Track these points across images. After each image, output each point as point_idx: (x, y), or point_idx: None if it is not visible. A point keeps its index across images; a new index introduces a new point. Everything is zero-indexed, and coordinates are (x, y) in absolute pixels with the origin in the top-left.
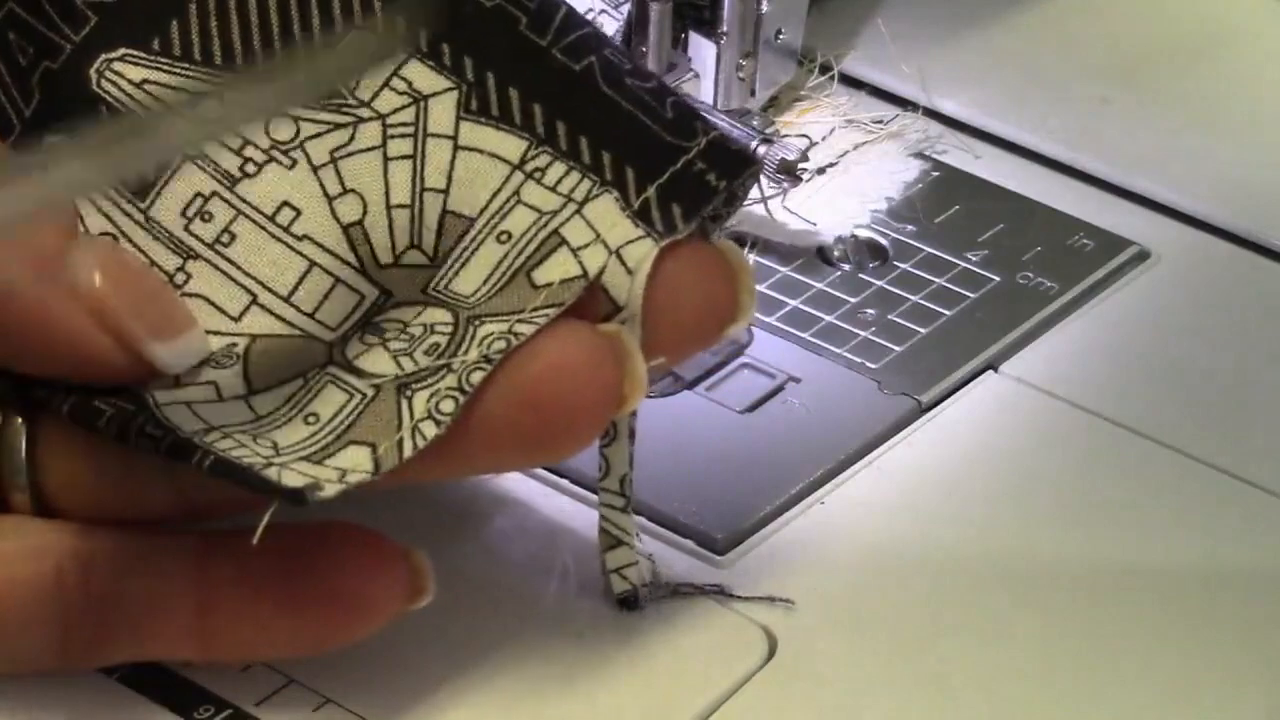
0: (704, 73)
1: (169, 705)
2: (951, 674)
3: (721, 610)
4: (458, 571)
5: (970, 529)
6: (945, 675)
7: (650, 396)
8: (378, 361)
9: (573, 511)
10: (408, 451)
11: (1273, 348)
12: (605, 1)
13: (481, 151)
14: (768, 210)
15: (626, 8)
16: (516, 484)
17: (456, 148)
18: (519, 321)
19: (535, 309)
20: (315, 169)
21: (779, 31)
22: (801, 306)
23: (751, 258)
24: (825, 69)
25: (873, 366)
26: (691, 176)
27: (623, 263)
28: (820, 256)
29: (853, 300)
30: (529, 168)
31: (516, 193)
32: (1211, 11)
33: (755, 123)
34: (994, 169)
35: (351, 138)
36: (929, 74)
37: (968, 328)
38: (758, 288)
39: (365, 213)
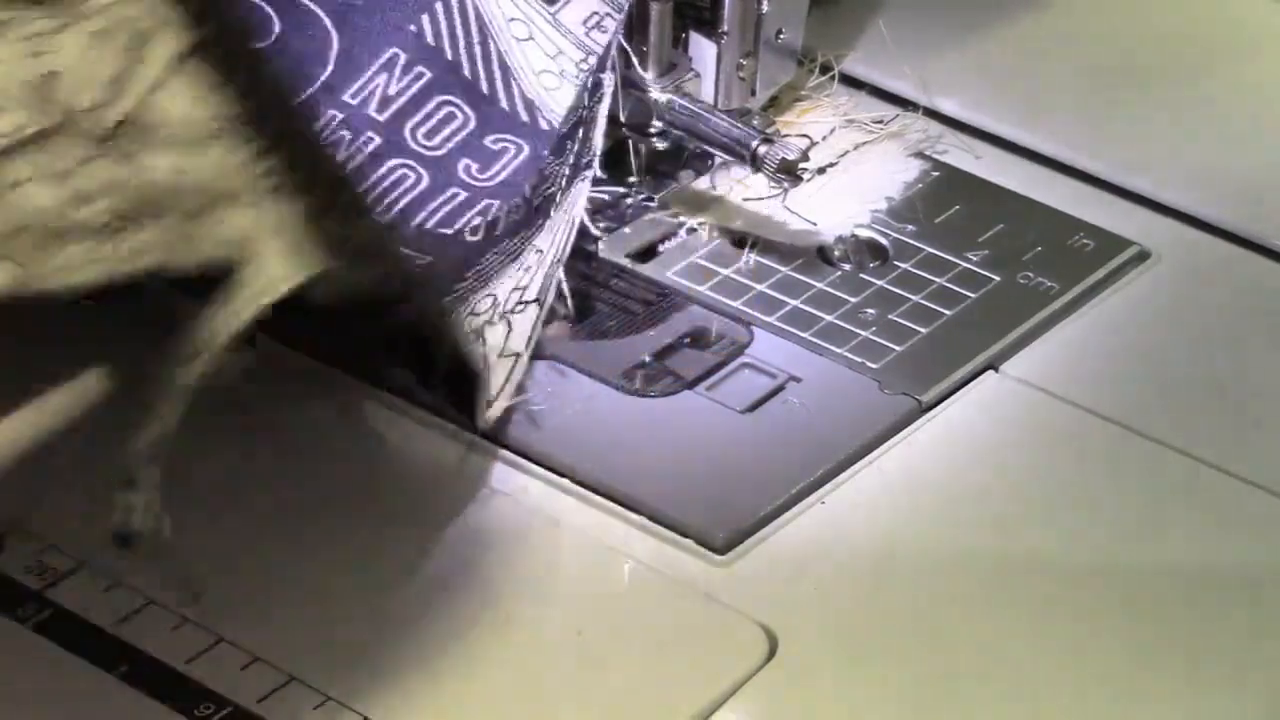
0: (704, 73)
1: (170, 703)
2: (951, 673)
3: (721, 610)
4: (458, 571)
5: (970, 529)
6: (945, 674)
7: (650, 396)
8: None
9: (573, 511)
10: None
11: (1273, 348)
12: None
13: None
14: (784, 203)
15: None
16: (516, 484)
17: None
18: None
19: None
20: None
21: (779, 31)
22: (802, 306)
23: (752, 258)
24: (825, 69)
25: (873, 366)
26: None
27: None
28: (820, 256)
29: (853, 300)
30: None
31: None
32: (1212, 13)
33: (755, 123)
34: (994, 169)
35: None
36: (929, 74)
37: (968, 328)
38: (759, 287)
39: None
